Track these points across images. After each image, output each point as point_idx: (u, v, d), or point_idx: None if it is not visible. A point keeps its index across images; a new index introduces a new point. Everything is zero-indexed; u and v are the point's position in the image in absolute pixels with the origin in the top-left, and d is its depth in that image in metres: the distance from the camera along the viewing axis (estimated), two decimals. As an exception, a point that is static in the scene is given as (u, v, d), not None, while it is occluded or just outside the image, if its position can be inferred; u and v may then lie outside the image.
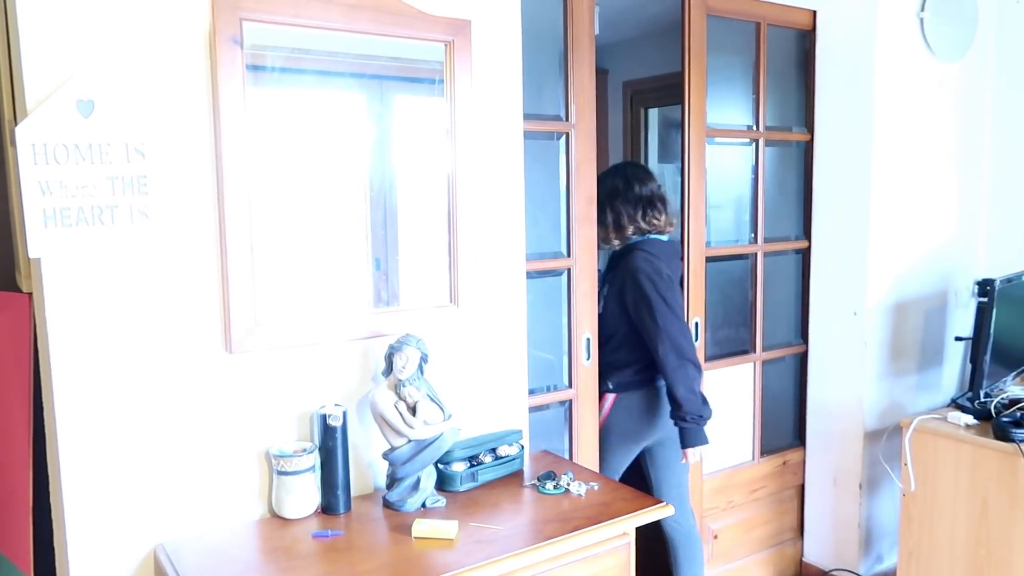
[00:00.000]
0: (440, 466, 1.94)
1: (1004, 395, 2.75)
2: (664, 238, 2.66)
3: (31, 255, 1.52)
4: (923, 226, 3.15)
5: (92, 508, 1.62)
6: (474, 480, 1.97)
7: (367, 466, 1.98)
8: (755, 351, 3.13)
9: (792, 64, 3.12)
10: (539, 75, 2.38)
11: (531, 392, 2.33)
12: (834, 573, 3.19)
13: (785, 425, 3.26)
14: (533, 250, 2.33)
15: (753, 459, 3.16)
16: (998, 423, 2.59)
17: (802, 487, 3.29)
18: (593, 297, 2.60)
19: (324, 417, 1.83)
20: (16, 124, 1.51)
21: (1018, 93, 3.24)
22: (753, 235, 3.10)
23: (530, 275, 2.28)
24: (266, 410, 1.83)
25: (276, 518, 1.81)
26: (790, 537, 3.30)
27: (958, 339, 3.24)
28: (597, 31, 2.54)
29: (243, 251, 1.74)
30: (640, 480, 2.72)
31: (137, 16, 1.59)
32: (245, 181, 1.74)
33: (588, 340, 2.59)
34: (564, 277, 2.55)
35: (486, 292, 2.14)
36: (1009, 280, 2.84)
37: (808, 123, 3.15)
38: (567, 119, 2.48)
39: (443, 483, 1.93)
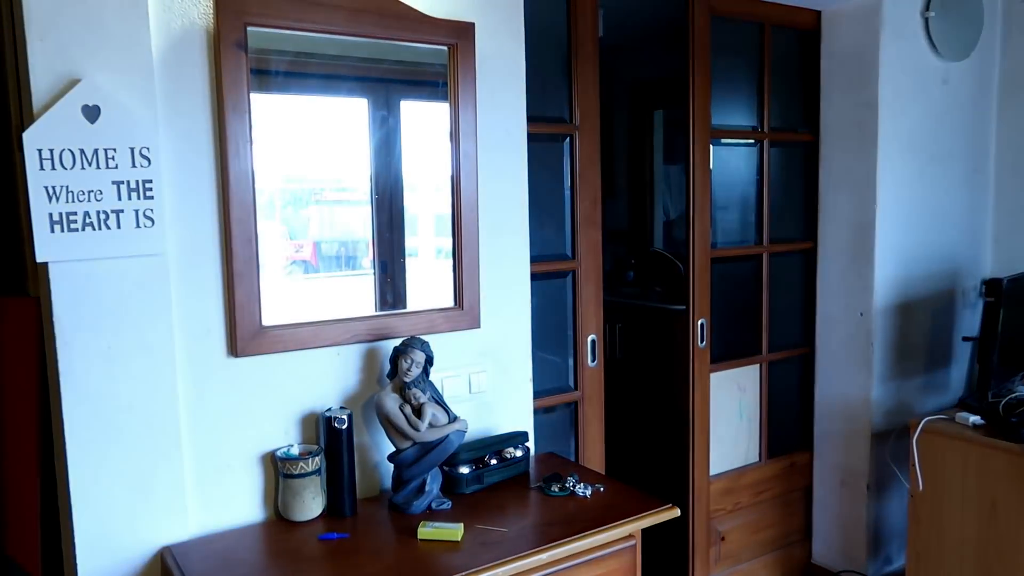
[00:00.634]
0: (446, 468, 1.94)
1: (1012, 395, 2.73)
2: None
3: (38, 259, 1.53)
4: (929, 226, 3.14)
5: (99, 510, 1.63)
6: (480, 482, 1.97)
7: (373, 468, 1.98)
8: (761, 352, 3.12)
9: (796, 65, 3.11)
10: (543, 77, 2.38)
11: (537, 394, 2.33)
12: (842, 575, 3.17)
13: (792, 426, 3.25)
14: (538, 252, 2.33)
15: (760, 460, 3.15)
16: (1006, 423, 2.58)
17: (809, 488, 3.28)
18: (598, 299, 2.60)
19: (330, 420, 1.83)
20: (23, 130, 1.52)
21: (1024, 92, 3.23)
22: (758, 236, 3.10)
23: (535, 277, 2.28)
24: (272, 413, 1.84)
25: (282, 520, 1.82)
26: (797, 539, 3.29)
27: (965, 339, 3.22)
28: (601, 33, 2.55)
29: (247, 254, 1.75)
30: (646, 481, 2.72)
31: (142, 22, 1.60)
32: (250, 185, 1.74)
33: (593, 342, 2.59)
34: (569, 279, 2.55)
35: (491, 294, 2.14)
36: (1016, 279, 2.83)
37: (813, 124, 3.14)
38: (571, 121, 2.49)
39: (449, 485, 1.93)
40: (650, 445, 3.29)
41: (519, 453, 2.06)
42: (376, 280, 2.01)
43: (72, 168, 1.54)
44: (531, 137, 2.22)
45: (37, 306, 1.85)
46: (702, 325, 2.88)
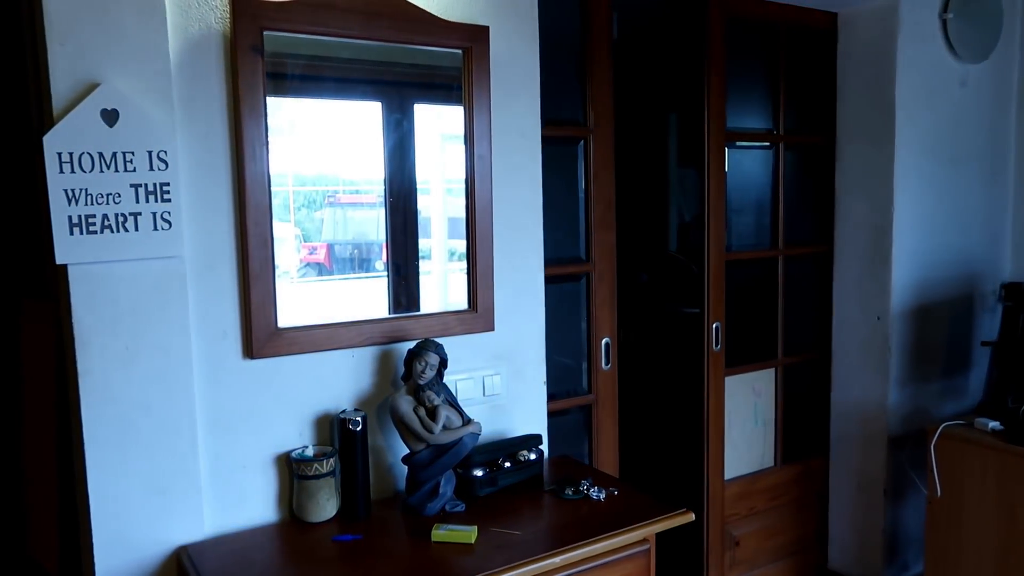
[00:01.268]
0: (460, 471, 1.94)
1: (1032, 400, 2.70)
2: None
3: (57, 261, 1.55)
4: (947, 229, 3.11)
5: (116, 510, 1.64)
6: (493, 485, 1.97)
7: (387, 470, 1.99)
8: (777, 356, 3.10)
9: (812, 67, 3.09)
10: (557, 80, 2.38)
11: (551, 397, 2.32)
12: (858, 581, 3.15)
13: (807, 431, 3.22)
14: (552, 255, 2.32)
15: (775, 465, 3.13)
16: (1026, 429, 2.55)
17: (825, 493, 3.26)
18: (612, 302, 2.59)
19: (344, 421, 1.84)
20: (43, 133, 1.54)
21: (1044, 94, 3.20)
22: (773, 239, 3.08)
23: (549, 280, 2.28)
24: (286, 414, 1.85)
25: (296, 521, 1.83)
26: (812, 544, 3.26)
27: (984, 344, 3.18)
28: (616, 35, 2.54)
29: (263, 256, 1.76)
30: (661, 485, 2.71)
31: (160, 27, 1.62)
32: (265, 188, 1.75)
33: (607, 345, 2.58)
34: (583, 282, 2.55)
35: (505, 297, 2.14)
36: (1036, 283, 2.80)
37: (828, 126, 3.12)
38: (585, 124, 2.48)
39: (463, 488, 1.93)
40: (665, 449, 3.27)
41: (533, 456, 2.05)
42: (390, 282, 2.02)
43: (91, 171, 1.56)
44: (545, 140, 2.22)
45: (55, 308, 1.87)
46: (717, 328, 2.87)
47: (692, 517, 1.85)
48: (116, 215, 1.59)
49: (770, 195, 3.07)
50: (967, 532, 2.70)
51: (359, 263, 2.07)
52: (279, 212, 1.81)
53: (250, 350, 1.77)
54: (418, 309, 2.04)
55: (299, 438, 1.87)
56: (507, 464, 2.00)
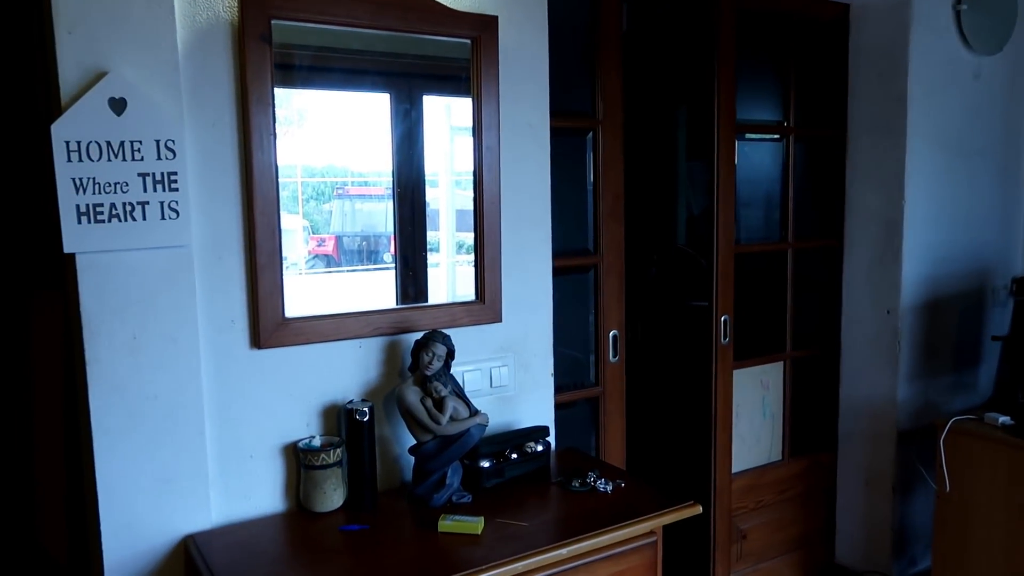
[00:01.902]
0: (466, 462, 1.94)
1: (1043, 396, 2.68)
2: None
3: (65, 250, 1.56)
4: (959, 223, 3.09)
5: (124, 499, 1.65)
6: (500, 476, 1.97)
7: (394, 461, 1.99)
8: (785, 349, 3.09)
9: (823, 59, 3.07)
10: (566, 71, 2.36)
11: (558, 389, 2.32)
12: (866, 575, 3.13)
13: (816, 424, 3.21)
14: (560, 247, 2.32)
15: (783, 458, 3.12)
16: (1036, 424, 2.54)
17: (832, 488, 3.25)
18: (620, 294, 2.58)
19: (351, 412, 1.84)
20: (51, 122, 1.54)
21: (1059, 86, 3.16)
22: (783, 233, 3.06)
23: (557, 272, 2.28)
24: (294, 404, 1.85)
25: (303, 511, 1.83)
26: (820, 538, 3.25)
27: (995, 339, 3.16)
28: (625, 26, 2.53)
29: (271, 247, 1.76)
30: (668, 477, 2.70)
31: (168, 16, 1.62)
32: (273, 178, 1.75)
33: (615, 337, 2.58)
34: (592, 274, 2.54)
35: (513, 289, 2.13)
36: (1048, 278, 2.77)
37: (839, 118, 3.10)
38: (594, 115, 2.47)
39: (469, 479, 1.93)
40: (672, 442, 3.27)
41: (540, 448, 2.05)
42: (398, 274, 2.02)
43: (99, 160, 1.56)
44: (554, 131, 2.21)
45: (64, 297, 1.88)
46: (725, 321, 2.86)
47: (699, 510, 1.85)
48: (124, 204, 1.59)
49: (780, 188, 3.05)
50: (976, 527, 2.68)
51: (367, 255, 2.07)
52: (288, 204, 1.81)
53: (257, 340, 1.77)
54: (426, 300, 2.04)
55: (306, 428, 1.87)
56: (514, 455, 2.00)
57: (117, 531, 1.65)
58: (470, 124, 2.01)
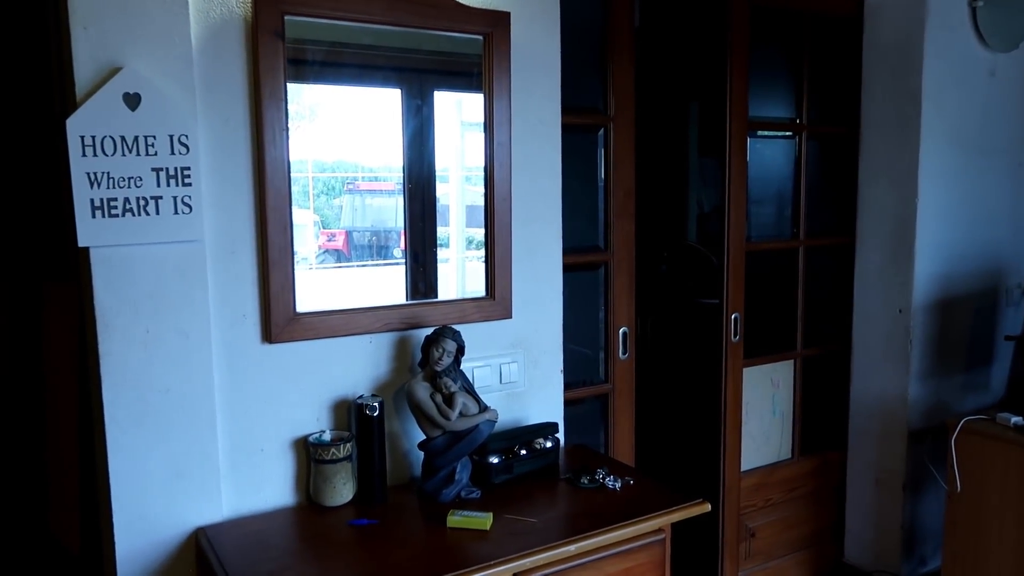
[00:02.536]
0: (476, 458, 1.94)
1: (1056, 396, 2.66)
2: None
3: (79, 244, 1.57)
4: (972, 221, 3.06)
5: (136, 491, 1.66)
6: (509, 472, 1.97)
7: (403, 456, 2.00)
8: (796, 348, 3.08)
9: (836, 55, 3.05)
10: (578, 67, 2.36)
11: (567, 386, 2.32)
12: (875, 575, 3.12)
13: (826, 423, 3.20)
14: (571, 244, 2.31)
15: (792, 457, 3.11)
16: (1049, 425, 2.52)
17: (842, 486, 3.23)
18: (630, 291, 2.58)
19: (361, 407, 1.85)
20: (66, 117, 1.55)
21: (1075, 84, 3.13)
22: (794, 230, 3.05)
23: (567, 268, 2.27)
24: (304, 399, 1.86)
25: (313, 505, 1.84)
26: (829, 537, 3.24)
27: (1008, 338, 3.14)
28: (637, 22, 2.52)
29: (282, 242, 1.77)
30: (677, 475, 2.70)
31: (182, 11, 1.62)
32: (285, 173, 1.76)
33: (625, 334, 2.57)
34: (602, 271, 2.54)
35: (523, 285, 2.13)
36: (1063, 278, 2.75)
37: (853, 115, 3.08)
38: (606, 111, 2.47)
39: (478, 475, 1.94)
40: (681, 439, 3.26)
41: (549, 444, 2.05)
42: (408, 270, 2.02)
43: (113, 155, 1.57)
44: (565, 127, 2.20)
45: (78, 290, 1.89)
46: (736, 319, 2.85)
47: (708, 507, 1.85)
48: (137, 199, 1.60)
49: (792, 185, 3.04)
50: (987, 528, 2.67)
51: (377, 250, 2.07)
52: (299, 199, 1.81)
53: (269, 335, 1.78)
54: (436, 296, 2.04)
55: (316, 423, 1.88)
56: (523, 452, 2.00)
57: (129, 523, 1.66)
58: (481, 120, 2.01)
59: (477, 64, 2.00)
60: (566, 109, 2.21)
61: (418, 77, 2.01)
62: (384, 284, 2.01)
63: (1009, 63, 3.06)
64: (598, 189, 2.51)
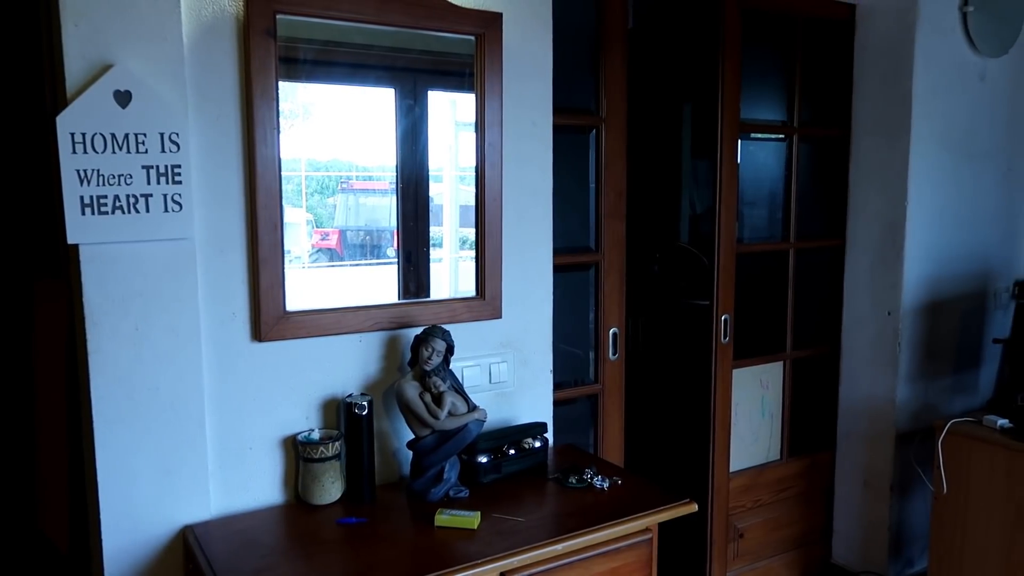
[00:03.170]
0: (464, 457, 1.95)
1: (1042, 399, 2.68)
2: None
3: (69, 241, 1.57)
4: (962, 225, 3.08)
5: (124, 489, 1.66)
6: (498, 472, 1.98)
7: (392, 455, 2.00)
8: (785, 349, 3.09)
9: (828, 58, 3.06)
10: (570, 68, 2.36)
11: (557, 386, 2.33)
12: (862, 575, 3.14)
13: (814, 425, 3.22)
14: (562, 244, 2.32)
15: (781, 458, 3.12)
16: (1035, 428, 2.54)
17: (830, 488, 3.25)
18: (621, 292, 2.59)
19: (350, 406, 1.85)
20: (56, 114, 1.55)
21: (1065, 90, 3.15)
22: (785, 232, 3.06)
23: (558, 269, 2.28)
24: (293, 397, 1.86)
25: (301, 504, 1.84)
26: (817, 538, 3.26)
27: (996, 341, 3.16)
28: (630, 24, 2.53)
29: (273, 241, 1.77)
30: (666, 475, 2.71)
31: (173, 9, 1.62)
32: (276, 172, 1.76)
33: (615, 335, 2.58)
34: (592, 272, 2.54)
35: (514, 285, 2.14)
36: (1050, 282, 2.77)
37: (844, 119, 3.09)
38: (598, 112, 2.47)
39: (467, 474, 1.95)
40: (670, 440, 3.27)
41: (538, 444, 2.06)
42: (400, 269, 2.03)
43: (103, 152, 1.57)
44: (557, 128, 2.21)
45: (67, 287, 1.89)
46: (726, 321, 2.86)
47: (695, 508, 1.86)
48: (127, 196, 1.60)
49: (783, 187, 3.05)
50: (973, 529, 2.69)
51: (370, 249, 2.08)
52: (292, 197, 1.82)
53: (258, 333, 1.78)
54: (427, 295, 2.04)
55: (305, 421, 1.88)
56: (512, 451, 2.01)
57: (117, 520, 1.66)
58: (473, 120, 2.02)
59: (470, 64, 2.00)
60: (558, 110, 2.21)
61: (411, 77, 2.02)
62: (377, 283, 2.02)
63: (999, 68, 3.08)
64: (590, 190, 2.51)
